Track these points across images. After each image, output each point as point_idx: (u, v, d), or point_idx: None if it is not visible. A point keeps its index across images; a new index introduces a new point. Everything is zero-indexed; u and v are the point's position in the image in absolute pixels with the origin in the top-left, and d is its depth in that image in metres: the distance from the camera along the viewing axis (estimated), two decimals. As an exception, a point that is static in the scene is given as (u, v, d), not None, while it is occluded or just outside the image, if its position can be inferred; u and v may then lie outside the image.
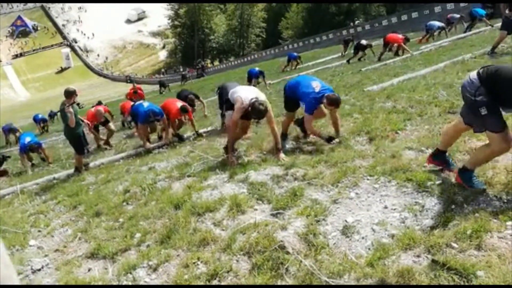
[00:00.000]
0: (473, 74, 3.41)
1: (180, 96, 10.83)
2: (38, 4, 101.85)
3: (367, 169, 4.41)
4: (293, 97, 6.07)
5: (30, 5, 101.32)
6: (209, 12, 74.20)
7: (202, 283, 3.02)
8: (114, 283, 3.35)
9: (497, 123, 3.27)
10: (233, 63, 61.90)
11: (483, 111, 3.26)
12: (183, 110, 9.08)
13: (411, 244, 2.94)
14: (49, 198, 6.50)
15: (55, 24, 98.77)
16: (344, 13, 56.93)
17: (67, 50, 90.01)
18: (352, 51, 19.93)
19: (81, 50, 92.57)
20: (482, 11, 19.46)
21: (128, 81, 70.80)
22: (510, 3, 10.41)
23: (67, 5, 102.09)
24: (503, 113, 3.33)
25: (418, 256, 2.79)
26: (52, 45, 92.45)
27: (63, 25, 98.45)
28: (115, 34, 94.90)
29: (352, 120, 6.71)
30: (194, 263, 3.29)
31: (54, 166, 10.04)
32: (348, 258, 2.91)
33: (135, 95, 17.62)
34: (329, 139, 5.69)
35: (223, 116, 8.40)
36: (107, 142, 11.10)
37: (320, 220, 3.54)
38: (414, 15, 35.37)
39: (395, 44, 16.69)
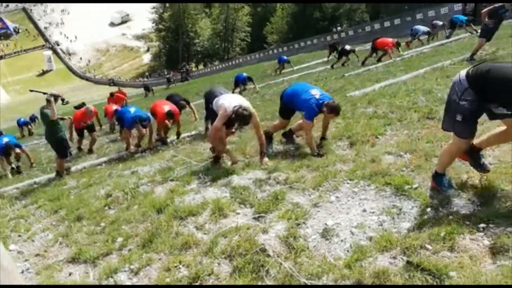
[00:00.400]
0: (463, 74, 3.34)
1: (170, 100, 10.66)
2: (20, 6, 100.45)
3: (347, 173, 4.50)
4: (290, 105, 6.05)
5: (11, 6, 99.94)
6: (194, 16, 74.04)
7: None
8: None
9: (466, 131, 3.36)
10: (217, 67, 61.95)
11: (459, 118, 3.33)
12: (169, 115, 8.98)
13: (387, 246, 3.02)
14: (30, 203, 6.45)
15: (37, 27, 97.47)
16: (328, 18, 57.38)
17: (49, 52, 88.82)
18: (336, 56, 20.07)
19: (64, 52, 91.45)
20: (463, 18, 19.85)
21: (111, 84, 70.32)
22: (490, 11, 10.70)
23: (49, 7, 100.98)
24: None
25: (394, 258, 2.86)
26: (34, 48, 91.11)
27: (45, 28, 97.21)
28: (99, 37, 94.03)
29: (334, 125, 6.80)
30: (175, 266, 3.32)
31: (35, 170, 9.94)
32: (327, 260, 2.97)
33: (111, 98, 17.48)
34: (318, 155, 5.49)
35: (207, 119, 8.44)
36: (90, 150, 10.71)
37: (301, 224, 3.61)
38: (397, 21, 35.92)
39: (385, 48, 16.53)
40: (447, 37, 19.86)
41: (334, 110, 5.60)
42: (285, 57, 24.84)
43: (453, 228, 2.96)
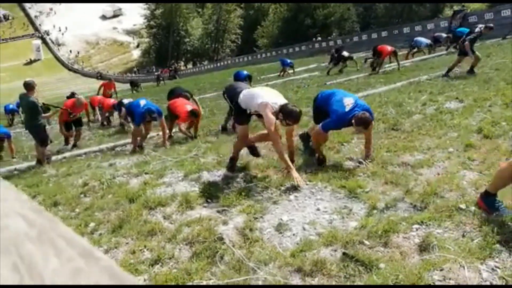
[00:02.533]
0: None
1: (174, 93, 10.32)
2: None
3: (309, 176, 4.85)
4: (324, 109, 5.40)
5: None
6: (186, 15, 74.27)
7: (145, 268, 3.35)
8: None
9: None
10: (206, 67, 62.20)
11: None
12: (192, 114, 8.70)
13: (332, 241, 3.36)
14: (9, 188, 6.66)
15: (27, 15, 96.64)
16: (319, 26, 58.09)
17: (38, 42, 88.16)
18: (332, 62, 19.82)
19: (53, 43, 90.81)
20: (466, 31, 19.43)
21: (99, 77, 69.95)
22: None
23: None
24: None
25: (335, 251, 3.21)
26: (23, 36, 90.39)
27: (36, 16, 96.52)
28: (89, 29, 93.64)
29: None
30: (140, 250, 3.62)
31: (16, 158, 10.12)
32: (275, 250, 3.30)
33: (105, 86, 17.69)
34: (320, 162, 5.27)
35: (230, 115, 7.96)
36: (75, 145, 10.30)
37: (258, 218, 3.94)
38: (384, 34, 36.67)
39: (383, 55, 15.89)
40: (447, 49, 19.63)
41: (361, 123, 4.93)
42: (288, 60, 23.72)
43: (390, 227, 3.32)
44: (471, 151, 4.98)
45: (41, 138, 8.16)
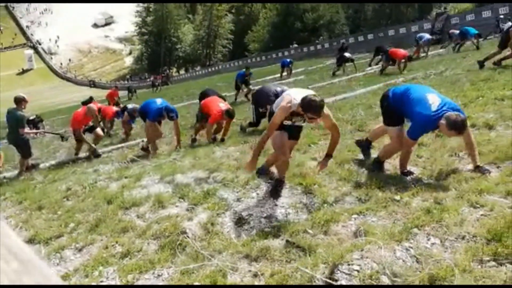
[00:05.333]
0: None
1: (207, 94, 9.86)
2: (2, 4, 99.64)
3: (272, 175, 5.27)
4: (400, 110, 4.66)
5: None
6: (177, 21, 74.89)
7: (116, 260, 3.75)
8: (46, 262, 4.02)
9: None
10: (198, 72, 62.67)
11: None
12: (228, 114, 8.26)
13: (284, 232, 3.78)
14: (-2, 195, 7.04)
15: (18, 25, 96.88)
16: (309, 30, 58.62)
17: (30, 51, 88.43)
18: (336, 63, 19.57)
19: (45, 52, 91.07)
20: (473, 31, 18.86)
21: (92, 86, 70.36)
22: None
23: (32, 6, 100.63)
24: None
25: (282, 240, 3.62)
26: (14, 46, 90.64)
27: (27, 26, 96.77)
28: (81, 38, 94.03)
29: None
30: (112, 245, 4.03)
31: (7, 166, 10.46)
32: (230, 241, 3.72)
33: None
34: (407, 173, 4.65)
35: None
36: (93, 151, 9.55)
37: (221, 214, 4.35)
38: (370, 36, 37.29)
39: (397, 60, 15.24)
40: (455, 49, 19.47)
41: (456, 127, 4.13)
42: (288, 60, 23.14)
43: (332, 218, 3.75)
44: (422, 149, 5.40)
45: (26, 150, 8.54)
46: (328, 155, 4.52)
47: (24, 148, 8.49)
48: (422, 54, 19.70)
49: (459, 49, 19.06)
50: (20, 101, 8.17)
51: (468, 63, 13.12)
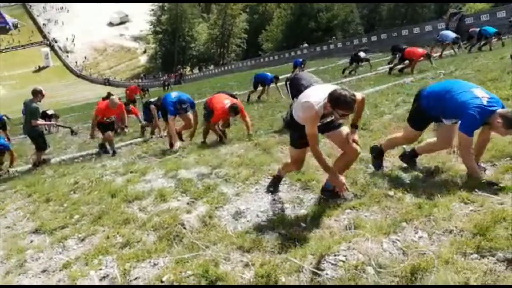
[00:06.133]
0: None
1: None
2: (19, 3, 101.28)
3: (273, 171, 5.36)
4: (432, 109, 4.30)
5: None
6: (191, 20, 75.34)
7: (115, 250, 3.88)
8: (49, 250, 4.17)
9: None
10: (211, 71, 63.02)
11: None
12: (232, 110, 7.95)
13: (278, 225, 3.87)
14: (8, 188, 7.25)
15: (35, 23, 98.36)
16: (323, 29, 58.48)
17: (46, 49, 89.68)
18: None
19: (61, 50, 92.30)
20: (492, 30, 18.64)
21: (107, 84, 71.14)
22: None
23: (48, 4, 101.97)
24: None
25: (275, 232, 3.72)
26: (31, 44, 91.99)
27: (44, 24, 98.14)
28: (97, 36, 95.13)
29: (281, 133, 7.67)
30: (113, 236, 4.16)
31: (19, 161, 10.71)
32: (226, 233, 3.83)
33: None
34: (491, 183, 3.88)
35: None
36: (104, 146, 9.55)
37: (219, 207, 4.46)
38: (383, 36, 37.13)
39: (413, 59, 14.71)
40: (471, 49, 19.25)
41: None
42: (300, 60, 23.14)
43: (325, 212, 3.83)
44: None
45: (41, 143, 8.74)
46: (354, 125, 4.19)
47: (38, 140, 8.68)
48: (445, 52, 19.12)
49: (478, 48, 18.75)
50: (36, 94, 8.38)
51: (479, 63, 13.04)
